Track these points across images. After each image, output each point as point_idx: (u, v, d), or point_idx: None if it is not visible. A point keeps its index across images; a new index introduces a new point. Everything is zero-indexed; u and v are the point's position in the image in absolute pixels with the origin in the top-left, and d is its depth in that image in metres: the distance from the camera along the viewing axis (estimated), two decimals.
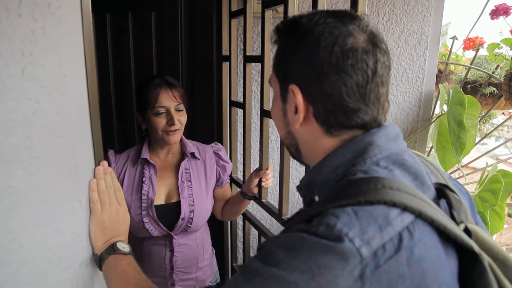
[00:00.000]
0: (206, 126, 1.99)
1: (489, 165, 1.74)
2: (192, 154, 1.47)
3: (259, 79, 1.49)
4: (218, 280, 1.66)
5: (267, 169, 1.50)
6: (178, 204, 1.41)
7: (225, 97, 1.84)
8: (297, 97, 0.61)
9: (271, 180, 1.51)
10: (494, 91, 2.02)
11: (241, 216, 1.82)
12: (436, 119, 1.78)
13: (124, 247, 0.90)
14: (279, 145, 1.44)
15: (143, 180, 1.40)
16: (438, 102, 1.99)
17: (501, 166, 1.81)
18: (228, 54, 1.75)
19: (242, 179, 1.74)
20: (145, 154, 1.41)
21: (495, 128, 2.16)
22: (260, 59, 1.45)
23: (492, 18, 1.82)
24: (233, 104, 1.78)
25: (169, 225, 1.39)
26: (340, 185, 0.58)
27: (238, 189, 1.68)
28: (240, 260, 2.03)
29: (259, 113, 1.50)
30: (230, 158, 1.81)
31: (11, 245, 0.68)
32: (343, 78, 0.57)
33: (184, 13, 1.92)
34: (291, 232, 0.53)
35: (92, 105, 0.84)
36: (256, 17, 1.68)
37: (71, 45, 0.77)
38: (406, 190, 0.53)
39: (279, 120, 0.69)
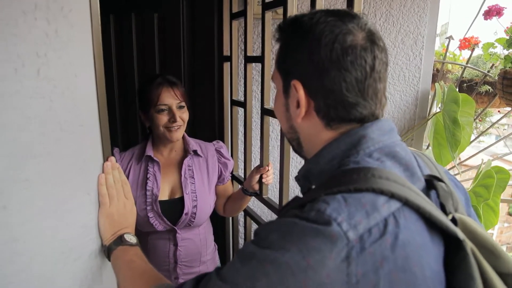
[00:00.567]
0: (207, 124, 2.03)
1: (484, 162, 1.78)
2: (195, 152, 1.51)
3: (260, 79, 1.52)
4: None
5: (267, 166, 1.54)
6: (181, 199, 1.45)
7: (226, 96, 1.87)
8: (299, 92, 0.64)
9: (271, 177, 1.55)
10: (489, 89, 2.06)
11: (242, 212, 1.86)
12: (431, 117, 1.82)
13: (131, 238, 0.94)
14: (279, 143, 1.48)
15: (148, 176, 1.44)
16: (435, 100, 2.03)
17: (499, 164, 1.85)
18: (229, 54, 1.79)
19: (243, 176, 1.78)
20: (149, 151, 1.45)
21: (491, 126, 2.20)
22: (260, 59, 1.49)
23: (485, 18, 1.85)
24: (234, 103, 1.82)
25: (173, 220, 1.43)
26: (333, 175, 0.62)
27: (240, 186, 1.72)
28: None
29: (259, 112, 1.54)
30: (231, 156, 1.85)
31: (25, 235, 0.72)
32: (343, 74, 0.60)
33: (186, 15, 1.96)
34: (284, 218, 0.57)
35: (101, 103, 0.88)
36: (256, 18, 1.72)
37: (81, 46, 0.81)
38: (394, 180, 0.56)
39: (281, 115, 0.72)
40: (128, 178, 1.42)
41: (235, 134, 1.89)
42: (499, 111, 2.32)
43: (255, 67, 1.91)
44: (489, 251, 0.59)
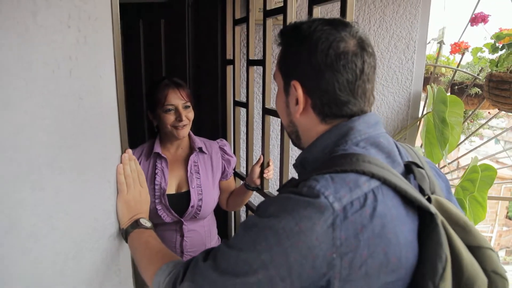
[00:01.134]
0: (211, 124, 2.13)
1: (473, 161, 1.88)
2: (200, 149, 1.61)
3: (261, 81, 1.62)
4: None
5: (269, 161, 1.64)
6: (187, 193, 1.55)
7: (229, 97, 1.97)
8: (298, 91, 0.74)
9: (272, 172, 1.66)
10: (478, 91, 2.17)
11: (244, 207, 1.95)
12: (422, 117, 1.92)
13: (146, 222, 1.04)
14: (279, 142, 1.58)
15: (156, 172, 1.54)
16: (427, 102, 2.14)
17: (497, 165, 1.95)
18: (232, 58, 1.89)
19: (245, 173, 1.88)
20: (157, 148, 1.55)
21: (481, 127, 2.31)
22: (261, 62, 1.58)
23: (472, 25, 1.97)
24: (237, 103, 1.92)
25: (179, 212, 1.53)
26: (324, 160, 0.73)
27: (242, 182, 1.82)
28: None
29: (260, 112, 1.64)
30: (234, 154, 1.95)
31: (58, 214, 0.82)
32: (336, 76, 0.70)
33: (191, 21, 2.06)
34: (281, 194, 0.68)
35: (120, 102, 0.99)
36: (258, 24, 1.82)
37: (104, 50, 0.92)
38: (375, 163, 0.67)
39: (282, 111, 0.83)
40: None
41: (238, 134, 1.99)
42: (489, 112, 2.42)
43: (256, 70, 2.00)
44: (461, 228, 0.69)
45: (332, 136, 0.75)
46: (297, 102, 0.75)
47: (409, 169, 0.73)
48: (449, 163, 2.25)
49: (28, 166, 0.72)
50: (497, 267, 0.69)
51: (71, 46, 0.80)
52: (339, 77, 0.70)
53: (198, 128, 2.09)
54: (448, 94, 2.01)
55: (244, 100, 1.85)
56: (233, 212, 2.11)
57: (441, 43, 2.23)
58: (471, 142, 2.59)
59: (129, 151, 1.05)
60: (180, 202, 1.54)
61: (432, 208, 0.66)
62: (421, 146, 2.24)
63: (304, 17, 1.99)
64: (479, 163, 1.83)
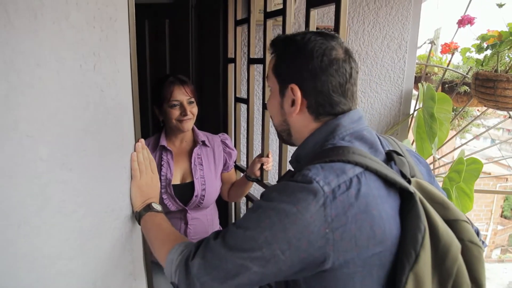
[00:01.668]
0: (213, 119, 2.22)
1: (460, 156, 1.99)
2: (203, 142, 1.70)
3: (261, 79, 1.72)
4: None
5: (268, 154, 1.74)
6: (191, 183, 1.65)
7: (230, 94, 2.06)
8: (296, 93, 0.84)
9: (271, 164, 1.76)
10: (467, 89, 2.28)
11: (244, 198, 2.05)
12: (413, 112, 2.03)
13: (158, 207, 1.13)
14: (277, 138, 1.66)
15: (162, 163, 1.63)
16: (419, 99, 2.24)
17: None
18: (233, 56, 1.97)
19: (245, 166, 1.98)
20: (163, 142, 1.65)
21: (469, 123, 2.42)
22: (261, 61, 1.68)
23: (459, 26, 2.08)
24: (238, 100, 2.00)
25: (184, 201, 1.62)
26: (316, 154, 0.83)
27: (242, 174, 1.92)
28: None
29: (260, 108, 1.73)
30: (235, 147, 2.05)
31: (83, 194, 0.91)
32: (330, 79, 0.82)
33: (194, 21, 2.16)
34: (281, 182, 0.79)
35: (134, 94, 1.09)
36: (258, 25, 1.91)
37: (122, 47, 1.02)
38: (359, 153, 0.77)
39: (276, 111, 0.93)
40: None
41: (238, 128, 2.08)
42: (478, 109, 2.53)
43: (256, 68, 2.09)
44: (440, 204, 0.80)
45: (322, 133, 0.86)
46: (293, 103, 0.86)
47: (390, 156, 0.84)
48: (439, 158, 2.35)
49: (59, 148, 0.81)
50: (473, 236, 0.79)
51: (95, 43, 0.89)
52: (332, 80, 0.82)
53: (201, 123, 2.18)
54: (440, 92, 2.11)
55: (245, 96, 1.94)
56: (233, 204, 2.20)
57: (432, 43, 2.34)
58: (462, 138, 2.71)
59: (142, 140, 1.15)
60: (185, 192, 1.64)
61: (411, 188, 0.76)
62: (412, 142, 2.35)
63: (302, 18, 2.09)
64: (466, 158, 1.94)
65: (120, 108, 1.02)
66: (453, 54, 2.32)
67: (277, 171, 1.69)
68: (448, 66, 2.37)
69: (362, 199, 0.72)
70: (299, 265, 0.72)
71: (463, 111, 2.51)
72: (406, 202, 0.76)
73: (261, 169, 1.75)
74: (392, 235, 0.74)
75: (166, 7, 2.22)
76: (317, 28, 1.33)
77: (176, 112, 1.59)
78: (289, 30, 1.46)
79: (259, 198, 0.81)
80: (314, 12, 1.35)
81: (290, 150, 2.23)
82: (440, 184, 1.77)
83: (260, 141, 1.77)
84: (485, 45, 1.86)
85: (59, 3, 0.77)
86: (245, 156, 1.98)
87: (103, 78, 0.94)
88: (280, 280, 0.81)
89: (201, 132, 1.74)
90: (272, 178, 2.20)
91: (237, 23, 1.93)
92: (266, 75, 0.94)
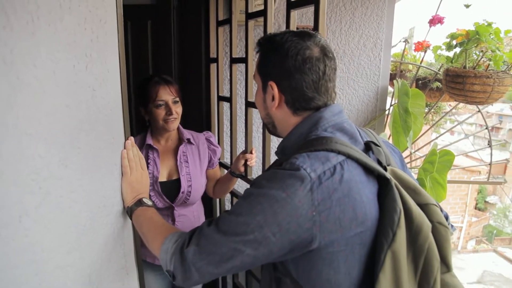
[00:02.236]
0: (197, 118, 2.25)
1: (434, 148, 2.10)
2: (188, 140, 1.75)
3: (243, 78, 1.76)
4: None
5: (251, 150, 1.80)
6: (178, 180, 1.69)
7: (213, 93, 2.10)
8: (274, 89, 0.92)
9: (255, 160, 1.82)
10: (439, 85, 2.39)
11: (229, 194, 2.10)
12: (389, 108, 2.13)
13: (148, 201, 1.17)
14: (260, 135, 1.71)
15: (149, 162, 1.66)
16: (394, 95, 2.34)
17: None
18: (215, 56, 2.01)
19: (229, 163, 2.03)
20: (149, 140, 1.68)
21: (442, 118, 2.55)
22: (243, 60, 1.72)
23: (430, 26, 2.19)
24: (221, 98, 2.05)
25: (171, 198, 1.66)
26: (301, 145, 0.90)
27: (226, 171, 1.97)
28: None
29: (242, 106, 1.77)
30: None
31: (78, 189, 0.94)
32: (303, 77, 0.89)
33: (176, 22, 2.19)
34: (270, 170, 0.85)
35: (123, 93, 1.13)
36: (240, 25, 1.96)
37: (111, 48, 1.05)
38: (341, 143, 0.84)
39: (260, 105, 1.01)
40: None
41: (222, 126, 2.12)
42: (449, 104, 2.66)
43: (238, 67, 2.14)
44: (412, 190, 0.88)
45: (306, 125, 0.92)
46: (273, 99, 0.93)
47: (368, 146, 0.92)
48: (414, 151, 2.47)
49: (56, 145, 0.85)
50: (441, 218, 0.88)
51: (87, 44, 0.93)
52: (306, 77, 0.89)
53: (185, 122, 2.18)
54: (413, 88, 2.21)
55: (227, 95, 1.97)
56: (218, 201, 2.25)
57: (406, 42, 2.45)
58: (436, 133, 2.83)
59: (131, 138, 1.19)
60: (172, 189, 1.68)
61: (388, 174, 0.84)
62: (389, 136, 2.45)
63: (281, 19, 2.16)
64: (439, 150, 2.05)
65: (111, 107, 1.06)
66: (425, 52, 2.43)
67: (261, 166, 1.75)
68: (421, 63, 2.48)
69: (345, 184, 0.79)
70: (289, 246, 0.78)
71: (436, 106, 2.64)
72: (383, 187, 0.84)
73: (245, 165, 1.80)
74: (372, 217, 0.81)
75: (148, 8, 2.24)
76: (297, 28, 1.39)
77: (161, 112, 1.63)
78: (270, 30, 1.52)
79: (243, 193, 0.86)
80: (294, 13, 1.40)
81: (273, 146, 2.31)
82: (416, 176, 1.87)
83: (244, 138, 1.82)
84: (454, 43, 1.97)
85: (54, 6, 0.81)
86: (228, 154, 2.02)
87: (94, 78, 0.97)
88: (269, 262, 0.87)
89: (186, 131, 1.78)
90: (255, 173, 2.24)
91: (219, 23, 1.97)
92: (254, 73, 1.00)
